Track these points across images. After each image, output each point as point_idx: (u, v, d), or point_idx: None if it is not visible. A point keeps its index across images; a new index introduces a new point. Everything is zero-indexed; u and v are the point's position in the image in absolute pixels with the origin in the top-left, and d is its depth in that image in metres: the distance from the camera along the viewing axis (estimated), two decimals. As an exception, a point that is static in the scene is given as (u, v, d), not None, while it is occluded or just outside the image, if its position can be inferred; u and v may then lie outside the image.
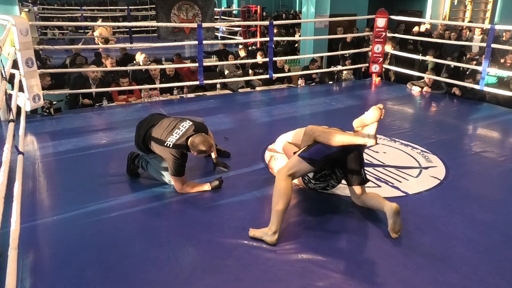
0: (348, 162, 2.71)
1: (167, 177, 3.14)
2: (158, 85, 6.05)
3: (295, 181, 3.21)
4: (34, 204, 2.98)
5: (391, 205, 2.53)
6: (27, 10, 11.05)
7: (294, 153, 2.80)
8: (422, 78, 6.82)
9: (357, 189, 2.79)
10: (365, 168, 2.82)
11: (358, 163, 2.71)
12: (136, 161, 3.32)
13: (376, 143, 2.60)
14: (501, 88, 5.90)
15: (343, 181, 2.94)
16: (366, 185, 2.84)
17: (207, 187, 3.10)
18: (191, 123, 3.04)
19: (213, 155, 3.46)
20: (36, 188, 3.23)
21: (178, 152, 2.90)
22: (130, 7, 14.44)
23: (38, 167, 3.64)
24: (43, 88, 5.14)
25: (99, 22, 11.47)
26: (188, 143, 2.90)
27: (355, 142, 2.60)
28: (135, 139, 3.21)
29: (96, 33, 11.28)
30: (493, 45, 5.87)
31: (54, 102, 5.31)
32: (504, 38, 8.28)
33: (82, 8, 15.00)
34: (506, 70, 6.15)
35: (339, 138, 2.61)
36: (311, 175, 2.95)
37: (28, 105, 4.89)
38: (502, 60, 7.11)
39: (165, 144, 2.92)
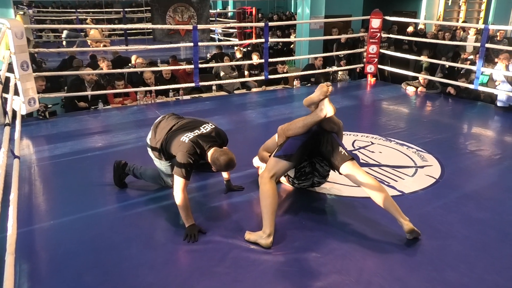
0: (322, 147, 2.71)
1: (170, 181, 2.99)
2: (153, 88, 6.04)
3: (285, 182, 3.25)
4: (31, 209, 2.98)
5: (405, 225, 2.49)
6: (22, 13, 11.03)
7: (270, 155, 2.84)
8: (417, 78, 6.85)
9: (346, 169, 2.64)
10: (344, 148, 2.73)
11: (331, 143, 2.70)
12: (126, 169, 3.18)
13: (335, 111, 2.57)
14: (491, 86, 5.94)
15: (343, 182, 2.94)
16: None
17: (189, 222, 2.62)
18: (213, 126, 2.82)
19: (226, 175, 3.18)
20: (33, 193, 3.22)
21: (192, 149, 2.60)
22: (125, 9, 14.42)
23: (34, 171, 3.63)
24: (38, 92, 5.13)
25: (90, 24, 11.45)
26: (210, 154, 2.61)
27: (317, 118, 2.62)
28: (151, 141, 2.95)
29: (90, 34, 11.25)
30: (487, 45, 5.91)
31: (49, 106, 5.30)
32: (498, 38, 8.33)
33: (77, 10, 14.95)
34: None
35: (303, 122, 2.68)
36: (292, 174, 2.99)
37: (23, 109, 4.87)
38: (496, 60, 7.14)
39: (181, 139, 2.66)
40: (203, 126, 2.79)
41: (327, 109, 2.58)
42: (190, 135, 2.68)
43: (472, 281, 2.21)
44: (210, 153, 2.62)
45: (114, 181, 3.23)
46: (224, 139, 2.81)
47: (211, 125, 2.83)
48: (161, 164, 3.00)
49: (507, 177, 3.56)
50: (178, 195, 2.61)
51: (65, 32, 12.17)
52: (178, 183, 2.61)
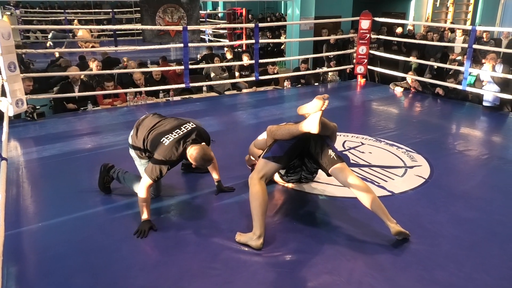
0: (312, 149, 2.73)
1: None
2: (143, 89, 6.01)
3: (279, 180, 3.25)
4: (18, 211, 2.94)
5: (391, 228, 2.49)
6: (9, 13, 10.89)
7: (259, 156, 2.86)
8: (405, 78, 6.91)
9: (335, 171, 2.64)
10: (335, 150, 2.73)
11: (320, 146, 2.70)
12: (112, 172, 3.12)
13: (319, 132, 2.57)
14: (478, 86, 6.01)
15: (333, 182, 2.95)
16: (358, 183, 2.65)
17: (144, 217, 2.68)
18: (194, 125, 2.83)
19: (216, 175, 3.18)
20: (20, 195, 3.18)
21: (170, 153, 2.64)
22: (114, 10, 14.30)
23: (22, 173, 3.58)
24: (25, 93, 5.07)
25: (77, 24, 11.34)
26: (187, 152, 2.66)
27: (301, 131, 2.63)
28: (133, 139, 2.95)
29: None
30: (474, 46, 5.98)
31: (37, 107, 5.24)
32: (484, 39, 8.44)
33: (66, 11, 14.79)
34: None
35: (288, 131, 2.69)
36: (282, 170, 2.99)
37: (11, 110, 4.81)
38: (483, 61, 7.24)
39: (161, 140, 2.69)
40: (184, 125, 2.80)
41: (312, 126, 2.56)
42: (171, 137, 2.70)
43: (461, 280, 2.23)
44: (188, 150, 2.67)
45: (98, 185, 3.16)
46: (205, 138, 2.83)
47: (192, 124, 2.84)
48: (141, 164, 2.97)
49: (495, 177, 3.61)
50: (142, 192, 2.67)
51: (51, 33, 12.04)
52: (145, 181, 2.67)
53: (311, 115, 2.59)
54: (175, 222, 2.80)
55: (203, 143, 2.74)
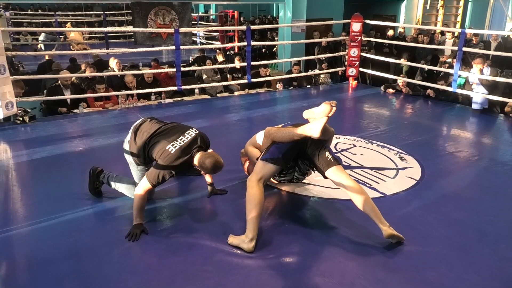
0: (309, 151, 2.73)
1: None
2: (135, 91, 5.99)
3: (271, 179, 3.25)
4: (8, 214, 2.90)
5: (384, 231, 2.50)
6: (-2, 15, 10.78)
7: (257, 158, 2.86)
8: (397, 80, 6.96)
9: (332, 173, 2.66)
10: (331, 152, 2.75)
11: (317, 148, 2.71)
12: (101, 177, 3.07)
13: (320, 137, 2.58)
14: (468, 89, 6.08)
15: (326, 184, 2.95)
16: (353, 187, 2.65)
17: (137, 221, 2.66)
18: (197, 131, 2.80)
19: (209, 178, 3.18)
20: (10, 198, 3.15)
21: (175, 160, 2.60)
22: (106, 12, 14.24)
23: (11, 176, 3.54)
24: (16, 96, 5.01)
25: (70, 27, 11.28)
26: (196, 159, 2.64)
27: (302, 135, 2.63)
28: (130, 144, 2.87)
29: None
30: (464, 49, 6.05)
31: (28, 110, 5.20)
32: (474, 42, 8.53)
33: (56, 13, 14.70)
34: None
35: (289, 135, 2.68)
36: None
37: (0, 113, 4.76)
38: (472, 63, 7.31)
39: (167, 148, 2.64)
40: (187, 132, 2.77)
41: (315, 131, 2.56)
42: (176, 144, 2.66)
43: (451, 281, 2.24)
44: (196, 158, 2.65)
45: (89, 189, 3.11)
46: (207, 143, 2.82)
47: (195, 131, 2.81)
48: (138, 170, 2.93)
49: (484, 178, 3.65)
50: (139, 195, 2.65)
51: (42, 34, 11.94)
52: (144, 185, 2.65)
53: (316, 120, 2.59)
54: (167, 225, 2.79)
55: (211, 150, 2.74)
